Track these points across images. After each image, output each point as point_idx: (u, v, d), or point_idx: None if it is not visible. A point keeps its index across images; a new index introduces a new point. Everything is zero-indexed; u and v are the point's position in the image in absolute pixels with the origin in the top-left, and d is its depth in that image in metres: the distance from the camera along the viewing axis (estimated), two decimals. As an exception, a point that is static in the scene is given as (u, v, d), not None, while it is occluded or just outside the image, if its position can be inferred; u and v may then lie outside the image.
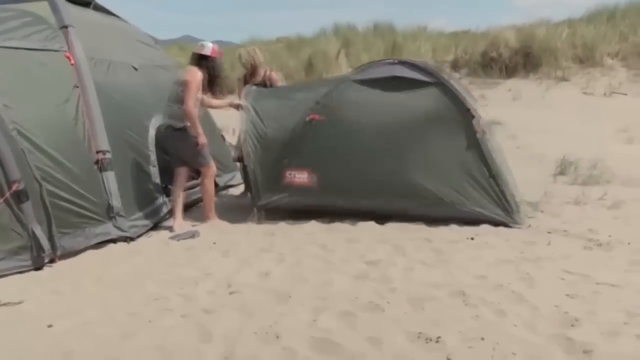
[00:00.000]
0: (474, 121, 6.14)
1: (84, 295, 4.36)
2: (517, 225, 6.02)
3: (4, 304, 4.18)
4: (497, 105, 14.18)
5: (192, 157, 6.20)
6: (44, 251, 5.01)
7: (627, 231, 5.80)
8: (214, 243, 5.71)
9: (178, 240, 5.85)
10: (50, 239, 5.10)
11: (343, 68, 17.44)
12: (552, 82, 15.21)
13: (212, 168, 6.35)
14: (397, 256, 5.12)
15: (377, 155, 6.13)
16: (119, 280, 4.71)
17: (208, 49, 6.21)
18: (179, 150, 6.16)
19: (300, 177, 6.24)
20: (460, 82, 6.87)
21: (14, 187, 4.82)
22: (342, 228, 6.10)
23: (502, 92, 15.08)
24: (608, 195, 7.17)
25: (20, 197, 4.88)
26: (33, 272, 4.95)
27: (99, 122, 5.93)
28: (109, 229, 5.72)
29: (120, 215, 5.82)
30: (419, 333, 3.53)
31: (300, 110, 6.35)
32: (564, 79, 15.20)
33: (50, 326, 3.79)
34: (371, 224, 6.16)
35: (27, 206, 4.94)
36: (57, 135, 5.42)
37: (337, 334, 3.55)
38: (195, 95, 6.11)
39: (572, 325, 3.62)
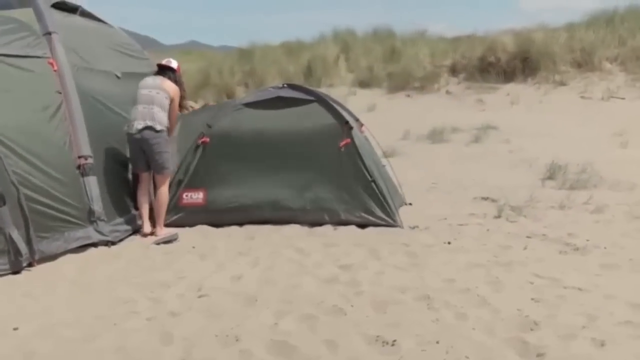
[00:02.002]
0: (352, 132, 6.47)
1: (55, 299, 4.42)
2: (398, 227, 6.18)
3: (-25, 307, 4.25)
4: (494, 109, 14.26)
5: (161, 161, 6.22)
6: (21, 255, 5.07)
7: (606, 235, 5.80)
8: (193, 247, 5.76)
9: (158, 244, 5.90)
10: (28, 242, 5.16)
11: (342, 73, 17.53)
12: (550, 87, 15.20)
13: (170, 176, 6.40)
14: (371, 260, 5.15)
15: (262, 169, 6.44)
16: (93, 283, 4.76)
17: (175, 63, 6.57)
18: (153, 151, 6.18)
19: (197, 197, 6.52)
20: (334, 100, 7.35)
21: (-9, 192, 4.89)
22: (322, 232, 6.14)
23: (500, 96, 15.08)
24: (593, 199, 7.16)
25: (-4, 201, 4.94)
26: (10, 276, 5.01)
27: (81, 128, 6.00)
28: (89, 232, 5.78)
29: (102, 220, 5.88)
30: (377, 336, 3.56)
31: (194, 134, 6.64)
32: (562, 83, 15.20)
33: (15, 329, 3.85)
34: (352, 228, 6.20)
35: (4, 210, 5.00)
36: (36, 141, 5.47)
37: (296, 337, 3.59)
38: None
39: (531, 329, 3.65)
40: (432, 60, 16.68)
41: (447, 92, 15.72)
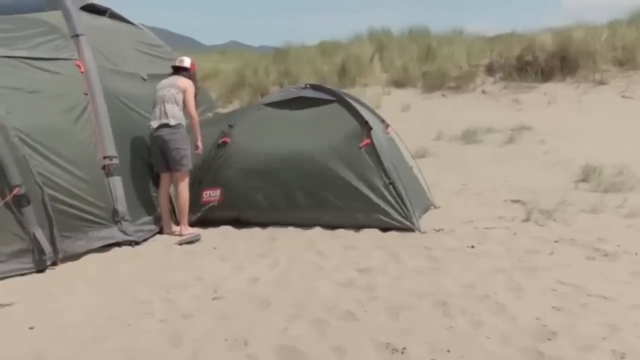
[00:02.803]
0: (372, 133, 6.39)
1: (73, 299, 4.46)
2: (418, 230, 6.08)
3: (-4, 306, 4.33)
4: (531, 109, 13.91)
5: (178, 157, 6.26)
6: (45, 254, 5.15)
7: (638, 241, 5.59)
8: (215, 248, 5.77)
9: (181, 245, 5.92)
10: (52, 242, 5.25)
11: (377, 73, 17.38)
12: (590, 86, 14.74)
13: (188, 174, 6.42)
14: (391, 263, 5.07)
15: (280, 168, 6.41)
16: (112, 283, 4.80)
17: (188, 62, 6.64)
18: (169, 148, 6.23)
19: (214, 195, 6.56)
20: (361, 102, 7.43)
21: (14, 192, 4.98)
22: (343, 234, 6.08)
23: (537, 96, 14.70)
24: (627, 203, 6.92)
25: (20, 201, 5.03)
26: (34, 275, 5.09)
27: (106, 129, 6.08)
28: (113, 232, 5.85)
29: (126, 220, 5.94)
30: (387, 343, 3.48)
31: (216, 135, 6.71)
32: (602, 82, 14.73)
33: (31, 328, 3.90)
34: (374, 231, 6.13)
35: (28, 210, 5.09)
36: (61, 142, 5.56)
37: (305, 342, 3.54)
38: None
39: (548, 339, 3.52)
40: (468, 60, 16.34)
41: (483, 92, 15.40)
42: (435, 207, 7.28)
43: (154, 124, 6.24)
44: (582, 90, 14.64)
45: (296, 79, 17.15)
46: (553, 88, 14.87)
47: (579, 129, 11.94)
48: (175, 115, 6.25)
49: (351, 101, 6.79)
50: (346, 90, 16.31)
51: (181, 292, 4.52)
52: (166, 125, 6.18)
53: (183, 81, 6.43)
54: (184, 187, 6.35)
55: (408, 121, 14.02)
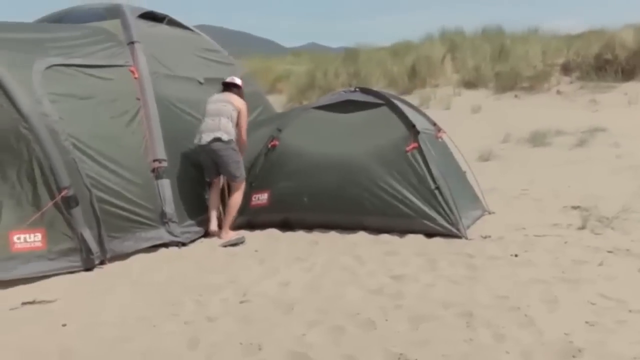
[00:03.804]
0: (420, 136, 6.33)
1: (111, 298, 4.62)
2: (464, 237, 5.94)
3: (37, 302, 4.55)
4: (608, 110, 13.29)
5: (231, 171, 6.39)
6: (92, 253, 5.38)
7: (701, 253, 5.22)
8: (256, 251, 5.84)
9: (225, 247, 6.03)
10: (100, 242, 5.47)
11: (448, 73, 17.07)
12: (675, 85, 13.93)
13: (243, 184, 6.53)
14: (426, 271, 4.96)
15: (327, 171, 6.39)
16: (151, 284, 4.94)
17: (238, 80, 6.76)
18: (223, 162, 6.37)
19: (262, 198, 6.64)
20: (413, 106, 7.38)
21: (63, 193, 5.21)
22: (387, 240, 6.00)
23: (616, 96, 14.01)
24: (697, 211, 6.48)
25: (69, 202, 5.26)
26: (82, 273, 5.32)
27: (157, 132, 6.27)
28: (161, 233, 6.03)
29: (173, 221, 6.12)
30: (400, 354, 3.41)
31: (266, 138, 6.82)
32: (688, 81, 13.89)
33: (64, 325, 4.07)
34: (419, 237, 6.02)
35: (77, 211, 5.33)
36: (111, 145, 5.78)
37: (318, 349, 3.52)
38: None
39: (573, 357, 3.34)
40: (543, 59, 15.78)
41: (558, 92, 14.83)
42: (490, 213, 7.07)
43: (207, 136, 6.32)
44: (665, 90, 13.84)
45: (365, 80, 17.10)
46: (634, 88, 14.16)
47: (658, 131, 11.30)
48: (229, 131, 6.36)
49: (400, 105, 6.70)
50: (416, 92, 16.30)
51: (213, 294, 4.59)
52: (219, 140, 6.30)
53: (239, 101, 6.56)
54: (238, 195, 6.50)
55: (477, 123, 13.74)
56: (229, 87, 6.70)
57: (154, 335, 3.88)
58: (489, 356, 3.37)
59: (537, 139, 11.38)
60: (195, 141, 6.39)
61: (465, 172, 7.32)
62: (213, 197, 6.52)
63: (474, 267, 5.02)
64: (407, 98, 16.11)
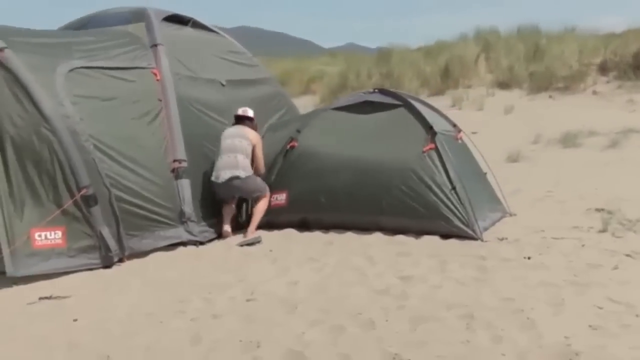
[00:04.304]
0: (437, 137, 6.33)
1: (124, 294, 4.76)
2: (480, 239, 5.89)
3: (54, 297, 4.72)
4: (645, 110, 12.99)
5: (255, 194, 6.62)
6: (111, 251, 5.53)
7: None
8: (270, 250, 5.90)
9: (241, 246, 6.12)
10: (118, 240, 5.62)
11: (481, 73, 16.88)
12: None
13: (268, 192, 6.66)
14: (435, 272, 4.95)
15: (343, 171, 6.41)
16: (164, 282, 5.06)
17: (251, 112, 6.81)
18: (244, 192, 6.61)
19: (280, 198, 6.66)
20: (433, 107, 7.32)
21: (82, 192, 5.38)
22: (401, 241, 6.00)
23: (655, 96, 13.69)
24: None
25: (89, 201, 5.43)
26: (100, 270, 5.48)
27: (177, 133, 6.41)
28: (179, 232, 6.16)
29: (192, 221, 6.24)
30: (395, 354, 3.43)
31: (284, 139, 6.89)
32: None
33: (75, 320, 4.21)
34: (434, 238, 6.00)
35: (96, 210, 5.49)
36: (132, 146, 5.94)
37: (315, 348, 3.56)
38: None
39: (569, 360, 3.31)
40: (579, 58, 15.46)
41: (594, 93, 14.52)
42: (510, 215, 6.99)
43: (225, 174, 6.41)
44: None
45: (398, 81, 17.05)
46: (674, 87, 13.78)
47: (695, 132, 11.00)
48: (246, 167, 6.47)
49: (418, 106, 6.70)
50: (449, 92, 16.17)
51: (221, 292, 4.68)
52: (237, 178, 6.41)
53: (253, 134, 6.65)
54: (264, 202, 6.62)
55: (509, 123, 13.57)
56: (242, 119, 6.75)
57: (159, 331, 3.98)
58: (484, 358, 3.36)
59: (568, 140, 11.18)
60: (213, 178, 6.48)
61: (485, 174, 7.26)
62: (227, 208, 6.61)
63: (484, 269, 4.99)
64: (440, 99, 16.17)
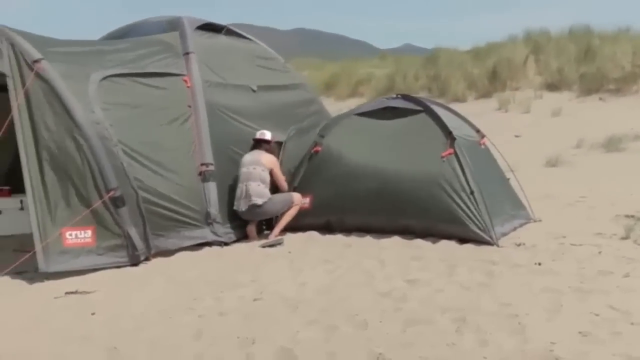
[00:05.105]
0: (456, 143, 6.39)
1: (143, 291, 5.04)
2: (496, 244, 5.93)
3: (79, 292, 5.04)
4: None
5: (280, 212, 6.81)
6: (137, 250, 5.84)
7: None
8: (289, 252, 6.10)
9: (263, 247, 6.35)
10: (145, 239, 5.92)
11: (530, 75, 16.65)
12: None
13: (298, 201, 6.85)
14: (442, 276, 5.04)
15: (364, 175, 6.58)
16: (183, 280, 5.32)
17: (268, 135, 6.95)
18: (267, 215, 6.86)
19: (304, 202, 6.86)
20: (452, 110, 7.40)
21: (111, 194, 5.70)
22: (418, 245, 6.10)
23: None
24: None
25: (116, 202, 5.75)
26: (127, 268, 5.79)
27: (205, 138, 6.68)
28: (205, 233, 6.44)
29: (217, 222, 6.51)
30: (379, 354, 3.57)
31: (308, 144, 7.07)
32: None
33: (93, 314, 4.51)
34: (451, 243, 6.08)
35: (124, 211, 5.80)
36: (160, 150, 6.24)
37: (304, 346, 3.73)
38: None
39: (549, 366, 3.37)
40: (632, 60, 15.03)
41: (646, 95, 14.15)
42: (535, 221, 6.96)
43: (243, 204, 6.63)
44: None
45: (445, 83, 17.04)
46: None
47: None
48: (261, 193, 6.65)
49: (439, 111, 6.77)
50: (496, 95, 16.02)
51: (232, 292, 4.90)
52: (255, 206, 6.62)
53: (267, 159, 6.80)
54: (294, 209, 6.82)
55: (555, 127, 13.39)
56: (259, 143, 6.92)
57: (167, 326, 4.23)
58: (464, 360, 3.45)
59: (612, 144, 10.96)
60: (235, 208, 6.71)
61: (509, 179, 7.25)
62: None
63: (491, 274, 5.05)
64: (486, 101, 16.08)
